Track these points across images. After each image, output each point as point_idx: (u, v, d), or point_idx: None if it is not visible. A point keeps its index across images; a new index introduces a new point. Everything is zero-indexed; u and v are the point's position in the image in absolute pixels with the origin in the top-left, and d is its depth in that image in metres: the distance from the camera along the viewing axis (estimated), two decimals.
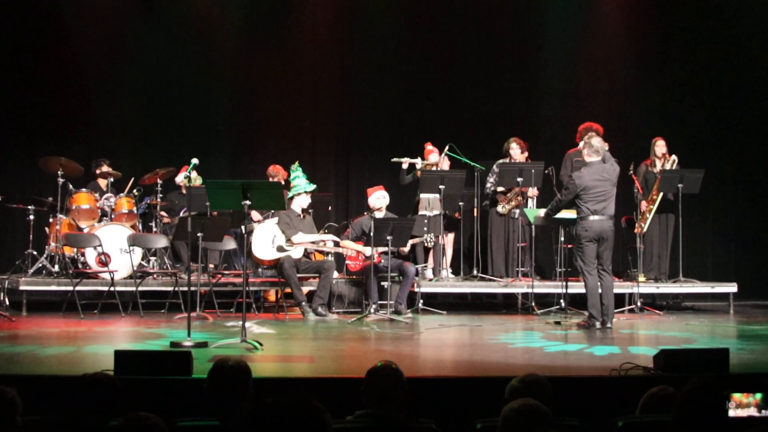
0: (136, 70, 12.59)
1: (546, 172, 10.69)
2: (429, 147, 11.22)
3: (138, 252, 10.11)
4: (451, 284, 10.90)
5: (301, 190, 9.87)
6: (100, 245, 9.82)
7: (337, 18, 13.20)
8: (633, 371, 5.53)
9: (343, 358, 6.99)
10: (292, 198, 9.88)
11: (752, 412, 3.16)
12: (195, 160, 7.81)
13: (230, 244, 10.12)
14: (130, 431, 3.02)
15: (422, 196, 11.00)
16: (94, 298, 10.09)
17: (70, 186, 10.48)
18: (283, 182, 10.60)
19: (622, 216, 10.93)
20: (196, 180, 10.28)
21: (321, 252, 10.19)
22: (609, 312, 8.62)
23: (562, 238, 10.41)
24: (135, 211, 10.65)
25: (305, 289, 9.83)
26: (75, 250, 10.08)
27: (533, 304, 10.21)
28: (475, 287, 11.01)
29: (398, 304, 9.71)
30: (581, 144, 9.36)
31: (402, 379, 3.97)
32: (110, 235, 10.01)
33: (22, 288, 9.80)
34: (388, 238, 9.22)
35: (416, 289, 10.24)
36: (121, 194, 10.64)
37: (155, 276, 10.31)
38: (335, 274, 9.94)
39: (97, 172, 10.96)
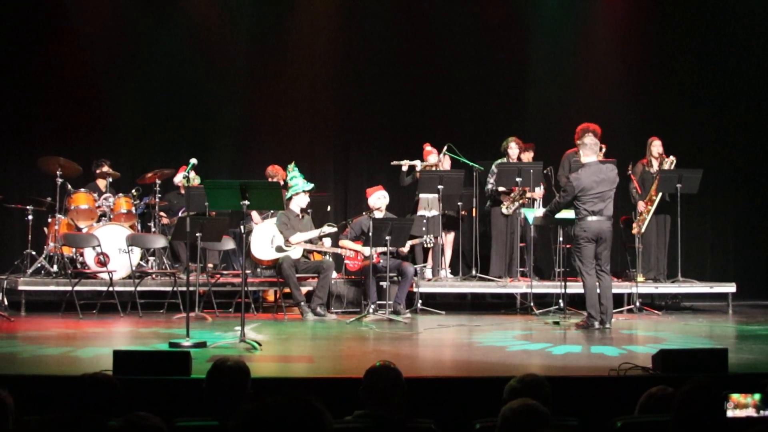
0: (135, 70, 12.60)
1: (545, 172, 10.70)
2: (428, 148, 11.22)
3: (137, 252, 10.11)
4: (449, 284, 10.91)
5: (299, 189, 9.88)
6: (99, 245, 9.82)
7: (336, 18, 13.22)
8: (632, 371, 5.54)
9: (341, 358, 6.98)
10: (290, 198, 9.88)
11: (751, 412, 3.16)
12: (193, 160, 7.80)
13: (229, 244, 10.12)
14: (129, 431, 3.02)
15: (421, 196, 11.01)
16: (92, 298, 10.09)
17: (69, 186, 10.48)
18: (282, 182, 10.60)
19: (620, 216, 10.93)
20: (195, 180, 10.27)
21: (320, 252, 10.19)
22: (608, 312, 8.63)
23: (561, 239, 10.42)
24: (134, 212, 10.65)
25: (304, 289, 9.83)
26: (74, 250, 10.08)
27: (532, 304, 10.22)
28: (473, 287, 11.01)
29: (397, 304, 9.71)
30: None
31: (401, 379, 3.97)
32: (109, 235, 10.01)
33: (20, 288, 9.80)
34: (387, 238, 9.23)
35: (415, 289, 10.24)
36: (120, 194, 10.63)
37: (154, 276, 10.31)
38: (334, 274, 9.94)
39: (98, 172, 10.95)
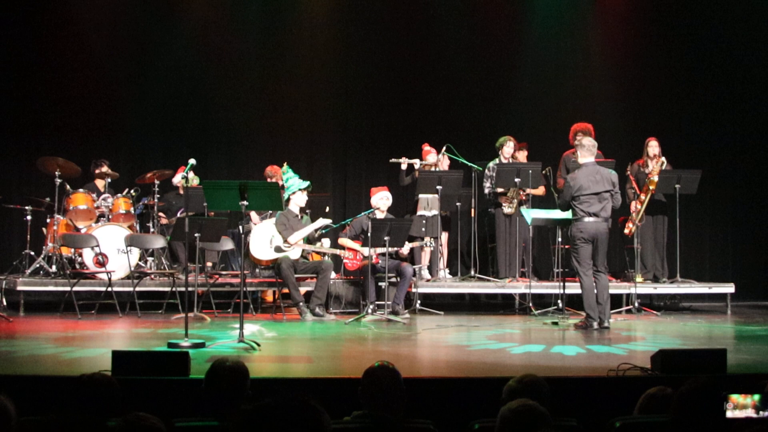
0: (134, 70, 12.58)
1: (543, 172, 10.70)
2: (426, 148, 11.23)
3: (135, 252, 10.11)
4: (448, 285, 10.91)
5: (295, 188, 9.87)
6: (98, 246, 9.82)
7: (335, 19, 13.22)
8: (630, 372, 5.54)
9: (340, 358, 6.98)
10: (288, 199, 9.87)
11: (750, 413, 3.16)
12: (192, 161, 7.81)
13: (228, 244, 10.12)
14: (128, 431, 3.01)
15: (421, 196, 11.01)
16: (91, 298, 10.09)
17: (68, 186, 10.48)
18: (280, 183, 10.59)
19: (618, 217, 10.93)
20: (194, 180, 10.27)
21: (319, 253, 10.19)
22: (605, 312, 8.64)
23: (560, 239, 10.42)
24: (132, 212, 10.64)
25: (303, 290, 9.83)
26: (72, 250, 10.08)
27: (530, 304, 10.22)
28: (472, 288, 11.01)
29: (396, 305, 9.71)
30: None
31: (399, 380, 3.97)
32: (107, 235, 10.01)
33: (19, 288, 9.79)
34: (386, 238, 9.23)
35: (413, 290, 10.24)
36: (119, 195, 10.63)
37: (152, 276, 10.31)
38: (333, 275, 9.94)
39: (97, 172, 10.94)
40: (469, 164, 10.92)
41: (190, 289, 8.49)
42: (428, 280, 10.88)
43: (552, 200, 10.65)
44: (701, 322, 9.93)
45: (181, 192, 10.87)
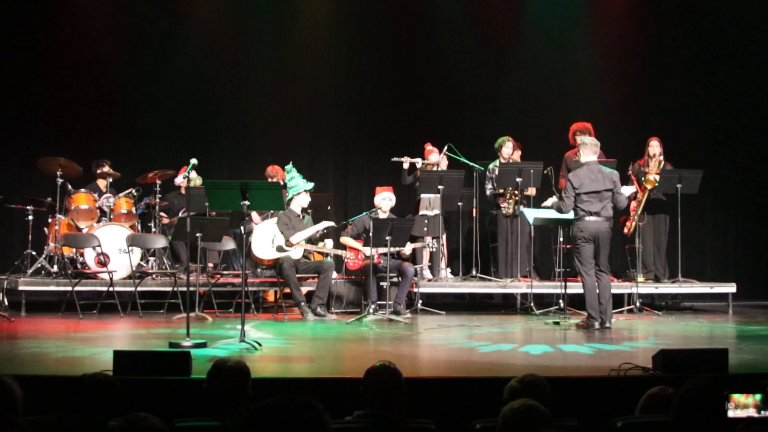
0: (135, 71, 12.58)
1: (545, 172, 10.70)
2: (429, 147, 11.23)
3: (137, 252, 10.11)
4: (450, 284, 10.91)
5: (300, 189, 9.87)
6: (99, 245, 9.82)
7: (336, 18, 13.22)
8: (632, 371, 5.54)
9: (342, 358, 6.99)
10: (291, 199, 9.87)
11: (751, 412, 3.16)
12: (194, 161, 7.79)
13: (229, 244, 10.12)
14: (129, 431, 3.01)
15: (423, 196, 11.01)
16: (93, 298, 10.09)
17: (69, 186, 10.48)
18: (282, 183, 10.59)
19: (620, 217, 10.92)
20: (196, 180, 10.27)
21: (320, 252, 10.19)
22: (607, 312, 8.63)
23: (561, 239, 10.42)
24: (134, 212, 10.65)
25: (304, 290, 9.82)
26: (74, 250, 10.08)
27: (532, 304, 10.21)
28: (474, 288, 11.01)
29: (397, 305, 9.71)
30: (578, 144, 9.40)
31: (401, 380, 3.97)
32: (109, 235, 10.01)
33: (21, 288, 9.80)
34: (387, 238, 9.23)
35: (415, 290, 10.24)
36: (120, 194, 10.63)
37: (154, 276, 10.31)
38: (334, 275, 9.94)
39: (98, 172, 10.94)
40: (471, 164, 10.92)
41: (191, 289, 8.49)
42: (430, 280, 10.88)
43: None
44: (703, 321, 9.92)
45: (183, 192, 10.88)
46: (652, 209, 10.98)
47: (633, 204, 10.81)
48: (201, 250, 8.90)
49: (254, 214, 10.75)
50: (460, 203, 11.08)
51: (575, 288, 9.89)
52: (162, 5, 12.70)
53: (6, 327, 8.56)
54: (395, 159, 11.11)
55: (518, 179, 10.51)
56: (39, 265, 10.21)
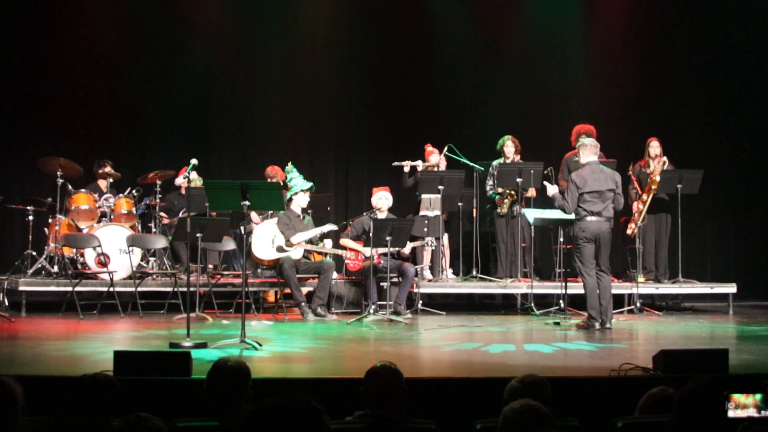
0: (135, 70, 12.58)
1: (545, 172, 10.69)
2: (429, 148, 11.23)
3: (137, 252, 10.10)
4: (450, 285, 10.91)
5: (299, 189, 9.88)
6: (100, 246, 9.82)
7: (337, 19, 13.22)
8: (632, 372, 5.54)
9: (342, 358, 6.99)
10: (291, 199, 9.87)
11: (752, 412, 3.15)
12: (194, 161, 7.79)
13: (229, 244, 10.12)
14: None
15: (423, 196, 11.00)
16: (93, 298, 10.10)
17: (70, 186, 10.48)
18: (282, 183, 10.59)
19: (620, 217, 10.92)
20: (196, 181, 10.27)
21: (320, 253, 10.18)
22: (607, 312, 8.63)
23: (561, 239, 10.41)
24: (134, 212, 10.65)
25: (304, 290, 9.82)
26: (74, 250, 10.08)
27: (532, 304, 10.21)
28: (474, 288, 11.01)
29: (397, 305, 9.71)
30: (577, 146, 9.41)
31: (401, 380, 3.97)
32: (109, 235, 10.01)
33: (21, 288, 9.79)
34: (388, 238, 9.23)
35: (415, 290, 10.24)
36: (121, 195, 10.63)
37: (154, 276, 10.31)
38: (334, 275, 9.94)
39: (99, 172, 10.94)
40: (471, 164, 10.92)
41: (191, 289, 8.50)
42: (430, 281, 10.88)
43: (548, 200, 10.65)
44: (703, 322, 9.92)
45: (183, 192, 10.88)
46: (654, 209, 10.97)
47: (636, 205, 10.81)
48: (201, 250, 8.91)
49: (254, 214, 10.75)
50: (460, 203, 11.08)
51: (576, 288, 9.88)
52: (163, 6, 12.69)
53: (6, 327, 8.56)
54: (396, 163, 11.10)
55: (518, 179, 10.51)
56: (39, 266, 10.21)
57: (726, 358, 5.72)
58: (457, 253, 11.74)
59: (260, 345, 6.89)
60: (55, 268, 10.19)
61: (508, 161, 11.02)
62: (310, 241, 9.92)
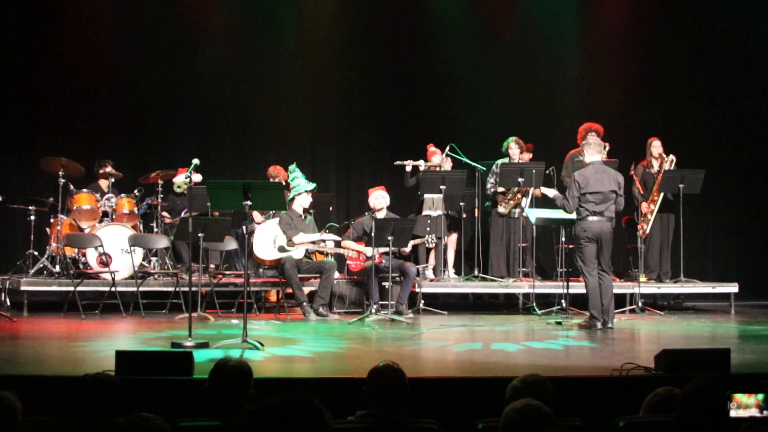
0: (136, 70, 12.58)
1: (547, 172, 10.70)
2: (431, 148, 11.23)
3: (139, 252, 10.11)
4: (452, 284, 10.91)
5: (301, 189, 9.88)
6: (101, 246, 9.82)
7: (338, 19, 13.21)
8: (634, 371, 5.53)
9: (343, 358, 6.99)
10: (293, 199, 9.88)
11: (754, 412, 3.15)
12: (196, 161, 7.80)
13: (231, 244, 10.12)
14: None
15: (426, 196, 11.00)
16: (95, 298, 10.10)
17: (71, 186, 10.49)
18: (284, 183, 10.60)
19: (622, 217, 10.92)
20: (193, 176, 10.25)
21: (322, 252, 10.19)
22: (609, 312, 8.63)
23: (563, 239, 10.41)
24: (136, 212, 10.65)
25: (306, 290, 9.83)
26: (76, 250, 10.09)
27: (534, 304, 10.20)
28: (476, 287, 11.02)
29: (399, 305, 9.71)
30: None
31: (404, 380, 3.97)
32: (111, 235, 10.01)
33: (23, 288, 9.80)
34: (389, 238, 9.23)
35: (417, 290, 10.24)
36: (123, 194, 10.63)
37: (156, 276, 10.32)
38: (336, 275, 9.94)
39: (101, 172, 10.95)
40: (473, 164, 10.92)
41: (193, 289, 8.50)
42: (432, 280, 10.88)
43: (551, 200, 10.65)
44: (705, 321, 9.92)
45: (185, 192, 10.88)
46: (659, 209, 10.95)
47: (647, 206, 10.80)
48: (203, 250, 8.91)
49: (256, 214, 10.75)
50: (462, 203, 11.09)
51: (577, 288, 9.88)
52: (165, 7, 12.68)
53: (8, 327, 8.56)
54: (398, 163, 11.10)
55: (520, 179, 10.52)
56: (41, 266, 10.22)
57: (728, 357, 5.72)
58: (458, 253, 11.73)
59: (262, 345, 6.89)
60: (57, 268, 10.20)
61: (513, 161, 11.02)
62: (311, 242, 9.92)
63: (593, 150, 8.76)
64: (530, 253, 10.92)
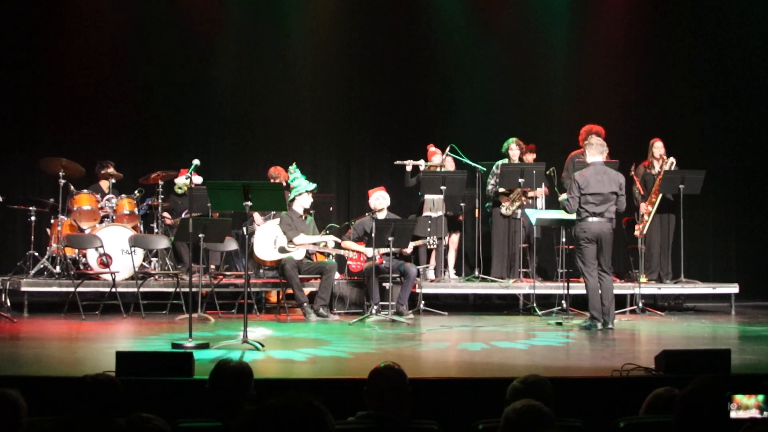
0: (136, 70, 12.59)
1: (547, 173, 10.69)
2: (432, 149, 11.23)
3: (139, 253, 10.11)
4: (452, 285, 10.91)
5: (302, 190, 9.89)
6: (102, 246, 9.82)
7: (338, 19, 13.22)
8: (634, 372, 5.53)
9: (344, 359, 6.98)
10: (293, 199, 9.88)
11: (754, 413, 3.15)
12: (196, 161, 7.80)
13: (231, 245, 10.13)
14: None
15: (426, 197, 11.00)
16: (95, 299, 10.10)
17: (72, 187, 10.49)
18: (284, 183, 10.60)
19: (623, 218, 10.92)
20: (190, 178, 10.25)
21: (322, 253, 10.19)
22: (609, 313, 8.62)
23: (564, 239, 10.41)
24: (136, 212, 10.65)
25: (306, 290, 9.83)
26: (76, 251, 10.09)
27: (535, 305, 10.20)
28: (476, 288, 11.02)
29: (400, 305, 9.71)
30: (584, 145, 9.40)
31: (405, 380, 3.97)
32: (111, 236, 10.02)
33: (23, 289, 9.80)
34: (390, 239, 9.23)
35: (417, 290, 10.24)
36: (123, 195, 10.63)
37: (156, 277, 10.32)
38: (337, 275, 9.94)
39: (102, 172, 10.95)
40: (473, 164, 10.92)
41: (194, 289, 8.50)
42: (432, 281, 10.88)
43: (556, 201, 10.65)
44: (705, 322, 9.92)
45: (186, 193, 10.88)
46: (657, 209, 10.96)
47: (645, 206, 10.81)
48: (203, 250, 8.92)
49: (256, 215, 10.75)
50: (462, 204, 11.09)
51: (578, 289, 9.88)
52: (164, 8, 12.69)
53: (9, 328, 8.56)
54: (398, 162, 11.10)
55: (520, 180, 10.52)
56: (41, 266, 10.22)
57: (728, 358, 5.72)
58: (459, 254, 11.73)
59: (262, 346, 6.89)
60: (58, 269, 10.20)
61: (513, 162, 11.02)
62: (312, 242, 9.92)
63: (595, 150, 8.75)
64: (531, 253, 10.92)
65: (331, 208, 11.79)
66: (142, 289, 9.84)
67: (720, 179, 12.58)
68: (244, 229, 8.64)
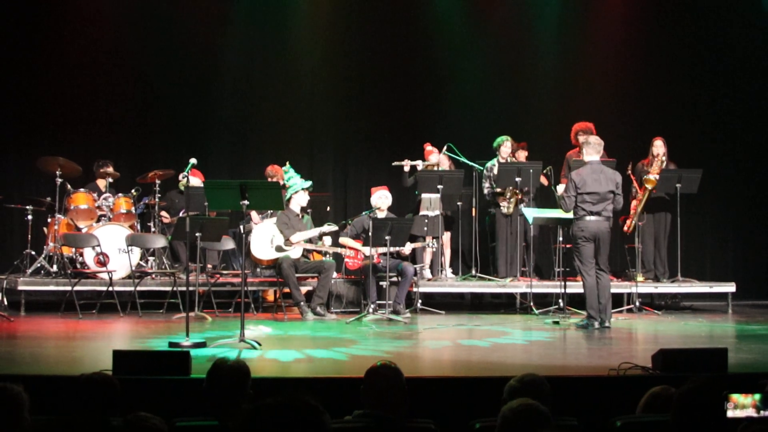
0: (135, 69, 12.58)
1: (544, 172, 10.70)
2: (428, 148, 11.23)
3: (136, 252, 10.10)
4: (449, 284, 10.91)
5: (298, 187, 9.89)
6: (99, 245, 9.82)
7: (335, 18, 13.21)
8: (631, 371, 5.54)
9: (341, 358, 6.98)
10: (290, 198, 9.88)
11: (750, 412, 3.15)
12: (193, 160, 7.79)
13: (229, 244, 10.12)
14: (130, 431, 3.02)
15: (423, 196, 11.00)
16: (92, 298, 10.08)
17: (69, 186, 10.47)
18: (281, 182, 10.59)
19: (619, 216, 10.92)
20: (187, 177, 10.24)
21: (320, 252, 10.19)
22: (606, 311, 8.63)
23: (561, 238, 10.42)
24: (133, 211, 10.64)
25: (304, 289, 9.83)
26: (73, 250, 10.08)
27: (532, 303, 10.21)
28: (473, 287, 11.02)
29: (397, 304, 9.71)
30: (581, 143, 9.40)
31: (401, 379, 3.97)
32: (108, 235, 10.01)
33: (20, 288, 9.79)
34: (387, 238, 9.23)
35: (415, 289, 10.24)
36: (120, 194, 10.62)
37: (153, 276, 10.31)
38: (334, 274, 9.94)
39: (100, 171, 10.93)
40: (470, 163, 10.93)
41: (191, 288, 8.49)
42: (429, 280, 10.88)
43: (553, 199, 10.65)
44: (702, 321, 9.92)
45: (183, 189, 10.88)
46: (653, 208, 10.98)
47: (633, 203, 10.81)
48: (200, 249, 8.91)
49: (254, 214, 10.74)
50: (459, 203, 11.09)
51: (575, 287, 9.89)
52: (163, 8, 12.67)
53: (5, 327, 8.55)
54: (396, 163, 11.10)
55: (517, 179, 10.52)
56: (38, 265, 10.21)
57: (725, 357, 5.72)
58: (456, 253, 11.74)
59: (259, 344, 6.89)
60: (54, 268, 10.19)
61: (502, 161, 11.03)
62: (309, 240, 9.92)
63: (592, 149, 8.76)
64: (528, 252, 10.93)
65: (328, 208, 11.79)
66: (139, 288, 9.84)
67: (718, 179, 12.58)
68: (241, 227, 8.63)
